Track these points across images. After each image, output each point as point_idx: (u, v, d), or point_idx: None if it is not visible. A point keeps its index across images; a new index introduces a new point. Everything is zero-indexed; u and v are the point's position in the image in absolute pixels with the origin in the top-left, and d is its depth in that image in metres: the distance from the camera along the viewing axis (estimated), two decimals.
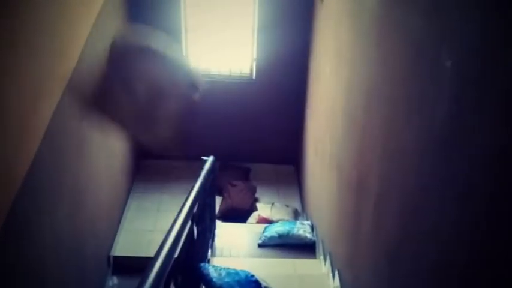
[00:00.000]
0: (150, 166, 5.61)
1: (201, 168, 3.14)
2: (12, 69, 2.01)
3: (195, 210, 2.38)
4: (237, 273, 2.65)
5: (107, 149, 3.90)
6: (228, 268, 2.69)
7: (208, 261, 3.32)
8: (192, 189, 2.48)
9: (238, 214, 4.82)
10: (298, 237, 3.93)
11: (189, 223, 2.23)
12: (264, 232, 4.14)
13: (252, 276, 2.67)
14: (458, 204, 1.24)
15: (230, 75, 5.26)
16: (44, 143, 2.35)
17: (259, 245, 4.03)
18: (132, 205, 4.90)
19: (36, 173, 2.26)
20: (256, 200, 5.19)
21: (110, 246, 4.09)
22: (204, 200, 2.90)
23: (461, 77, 1.24)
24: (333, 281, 2.97)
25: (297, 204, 5.11)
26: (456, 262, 1.24)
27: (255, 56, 5.08)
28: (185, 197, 2.36)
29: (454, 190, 1.26)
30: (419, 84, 1.57)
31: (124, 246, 4.23)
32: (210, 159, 3.36)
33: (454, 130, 1.27)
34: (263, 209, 4.84)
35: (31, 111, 2.22)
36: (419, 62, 1.58)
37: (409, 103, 1.67)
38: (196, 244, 2.58)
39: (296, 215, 4.82)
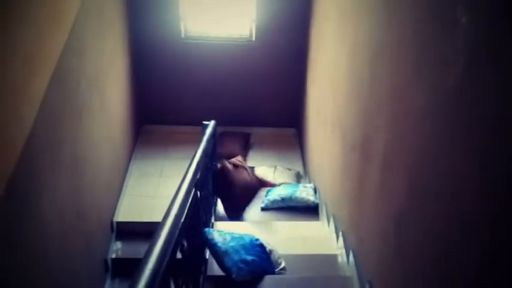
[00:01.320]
0: (150, 131, 5.57)
1: (202, 133, 3.10)
2: (6, 37, 1.94)
3: (198, 175, 2.36)
4: (241, 237, 2.65)
5: (106, 114, 3.85)
6: (233, 233, 2.70)
7: (212, 226, 3.33)
8: (194, 155, 2.45)
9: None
10: (301, 200, 3.94)
11: (193, 189, 2.21)
12: (266, 195, 4.14)
13: (257, 240, 2.68)
14: (467, 168, 1.21)
15: (229, 37, 5.14)
16: (41, 111, 2.31)
17: (262, 209, 4.05)
18: (134, 171, 4.89)
19: (34, 142, 2.23)
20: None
21: (113, 211, 4.10)
22: (206, 165, 2.88)
23: (478, 35, 1.19)
24: (337, 242, 2.99)
25: (299, 167, 5.11)
26: (463, 225, 1.22)
27: (254, 17, 4.95)
28: (187, 162, 2.33)
29: (464, 153, 1.23)
30: (430, 44, 1.51)
31: (127, 211, 4.25)
32: (211, 124, 3.31)
33: (467, 92, 1.22)
34: (265, 172, 4.84)
35: (26, 79, 2.17)
36: (430, 21, 1.51)
37: (419, 64, 1.62)
38: (200, 209, 2.57)
39: (298, 178, 4.82)
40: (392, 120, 1.92)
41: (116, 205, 4.22)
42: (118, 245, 4.01)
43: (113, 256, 3.87)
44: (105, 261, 3.71)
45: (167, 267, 1.49)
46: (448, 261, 1.34)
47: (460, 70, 1.26)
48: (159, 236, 1.47)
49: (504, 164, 1.04)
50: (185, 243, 1.98)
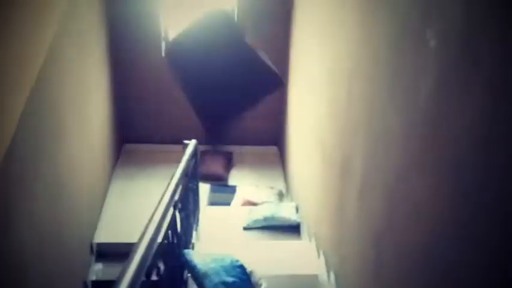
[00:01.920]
0: (132, 150, 5.53)
1: (183, 152, 3.08)
2: None
3: (176, 196, 2.34)
4: (222, 258, 2.62)
5: (86, 133, 3.81)
6: (213, 254, 2.66)
7: (193, 246, 3.29)
8: (173, 176, 2.43)
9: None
10: (283, 219, 3.92)
11: (171, 210, 2.19)
12: (249, 215, 4.12)
13: (237, 261, 2.65)
14: (445, 185, 1.21)
15: None
16: (19, 127, 2.27)
17: (245, 228, 4.01)
18: (114, 190, 4.83)
19: (12, 158, 2.19)
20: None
21: (93, 232, 4.03)
22: (186, 185, 2.86)
23: (446, 56, 1.21)
24: (318, 262, 2.97)
25: (281, 186, 5.10)
26: (441, 245, 1.22)
27: None
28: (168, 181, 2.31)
29: (442, 169, 1.24)
30: (402, 62, 1.53)
31: (107, 232, 4.18)
32: (192, 143, 3.30)
33: (439, 107, 1.24)
34: (248, 191, 4.81)
35: (4, 93, 2.14)
36: (403, 41, 1.54)
37: (392, 81, 1.64)
38: (180, 230, 2.54)
39: (281, 197, 4.80)
40: (369, 140, 1.93)
41: (97, 225, 4.15)
42: (98, 266, 3.93)
43: (93, 278, 3.78)
44: (85, 283, 3.63)
45: None
46: (425, 281, 1.34)
47: (431, 85, 1.28)
48: (132, 258, 1.44)
49: (477, 180, 1.05)
50: (161, 266, 1.95)
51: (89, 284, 3.69)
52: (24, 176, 2.40)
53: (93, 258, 3.93)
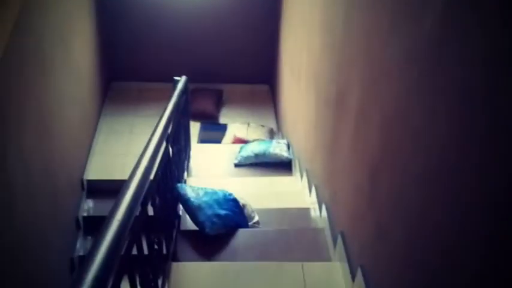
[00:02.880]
0: (120, 88, 5.43)
1: (173, 88, 3.01)
2: None
3: (169, 130, 2.30)
4: (214, 192, 2.63)
5: (73, 70, 3.70)
6: (206, 188, 2.67)
7: (185, 182, 3.30)
8: (165, 109, 2.38)
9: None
10: (275, 155, 3.93)
11: (164, 143, 2.16)
12: (240, 152, 4.12)
13: (230, 194, 2.67)
14: (443, 117, 1.19)
15: None
16: (2, 62, 2.18)
17: (236, 165, 4.03)
18: (104, 128, 4.78)
19: None
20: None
21: (83, 169, 4.02)
22: (178, 120, 2.81)
23: None
24: (310, 196, 3.00)
25: (272, 124, 5.09)
26: (436, 175, 1.21)
27: None
28: (158, 119, 2.26)
29: (442, 100, 1.21)
30: None
31: (97, 169, 4.17)
32: (182, 79, 3.22)
33: (446, 34, 1.19)
34: (239, 129, 4.80)
35: None
36: None
37: (394, 10, 1.57)
38: (172, 164, 2.52)
39: (272, 135, 4.80)
40: (367, 71, 1.88)
41: (86, 163, 4.13)
42: (89, 203, 3.95)
43: (84, 214, 3.81)
44: (77, 219, 3.66)
45: (137, 222, 1.46)
46: (419, 213, 1.35)
47: (440, 10, 1.22)
48: (126, 189, 1.42)
49: (483, 112, 1.02)
50: (157, 199, 1.95)
51: (81, 220, 3.72)
52: (11, 111, 2.33)
53: (84, 194, 3.94)
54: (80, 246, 3.60)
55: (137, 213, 1.46)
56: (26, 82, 2.58)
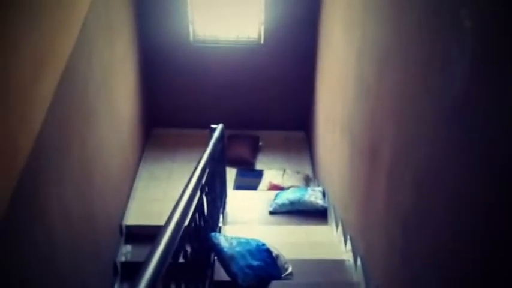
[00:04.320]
0: (160, 134, 5.59)
1: (210, 136, 3.09)
2: (15, 38, 1.95)
3: (203, 180, 2.34)
4: (248, 242, 2.63)
5: (115, 117, 3.85)
6: (239, 237, 2.68)
7: (220, 229, 3.31)
8: (200, 159, 2.44)
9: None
10: (310, 203, 3.90)
11: (198, 193, 2.20)
12: (275, 199, 4.12)
13: (263, 245, 2.66)
14: (474, 176, 1.17)
15: (238, 40, 5.13)
16: (49, 112, 2.31)
17: (271, 212, 4.02)
18: (143, 174, 4.90)
19: (42, 143, 2.23)
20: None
21: (122, 215, 4.11)
22: (213, 169, 2.87)
23: (482, 36, 1.16)
24: (345, 247, 2.95)
25: (308, 171, 5.08)
26: (470, 233, 1.19)
27: (263, 19, 4.94)
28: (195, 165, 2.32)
29: (471, 160, 1.20)
30: (437, 45, 1.48)
31: (136, 215, 4.25)
32: (218, 127, 3.30)
33: (475, 93, 1.19)
34: (274, 175, 4.81)
35: (34, 82, 2.17)
36: (437, 22, 1.48)
37: (425, 66, 1.58)
38: (206, 214, 2.55)
39: (307, 182, 4.78)
40: (400, 125, 1.88)
41: (125, 208, 4.23)
42: (127, 248, 4.01)
43: (122, 259, 3.86)
44: (114, 264, 3.71)
45: (168, 271, 1.48)
46: (455, 267, 1.31)
47: (468, 70, 1.23)
48: (159, 241, 1.46)
49: None
50: (189, 249, 1.97)
51: (119, 265, 3.77)
52: (54, 161, 2.44)
53: (123, 240, 4.01)
54: None
55: (167, 263, 1.48)
56: (70, 130, 2.70)
